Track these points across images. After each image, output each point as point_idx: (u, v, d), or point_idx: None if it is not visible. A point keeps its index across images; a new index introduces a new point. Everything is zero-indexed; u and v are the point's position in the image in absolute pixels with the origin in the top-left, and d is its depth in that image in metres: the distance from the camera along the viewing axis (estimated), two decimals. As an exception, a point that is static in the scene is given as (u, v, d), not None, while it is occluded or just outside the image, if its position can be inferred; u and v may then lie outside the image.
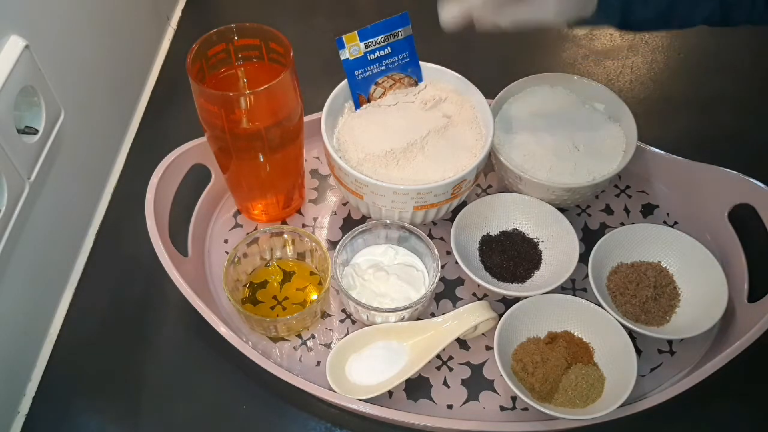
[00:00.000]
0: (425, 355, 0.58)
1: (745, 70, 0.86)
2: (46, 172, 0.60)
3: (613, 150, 0.67)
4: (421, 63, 0.66)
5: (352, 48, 0.62)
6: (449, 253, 0.65)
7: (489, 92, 0.67)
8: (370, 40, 0.63)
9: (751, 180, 0.64)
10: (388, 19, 0.63)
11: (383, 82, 0.66)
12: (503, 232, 0.67)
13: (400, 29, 0.63)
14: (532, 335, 0.60)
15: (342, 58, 0.63)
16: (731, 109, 0.82)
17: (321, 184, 0.73)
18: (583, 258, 0.63)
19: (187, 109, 0.60)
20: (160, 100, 0.82)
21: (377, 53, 0.63)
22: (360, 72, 0.64)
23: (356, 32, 0.62)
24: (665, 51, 0.88)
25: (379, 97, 0.66)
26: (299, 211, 0.71)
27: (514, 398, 0.59)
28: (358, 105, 0.66)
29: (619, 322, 0.58)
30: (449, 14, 0.54)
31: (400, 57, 0.65)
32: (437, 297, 0.65)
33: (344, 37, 0.62)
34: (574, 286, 0.66)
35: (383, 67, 0.65)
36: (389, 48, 0.64)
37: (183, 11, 0.92)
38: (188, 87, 0.57)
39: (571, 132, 0.67)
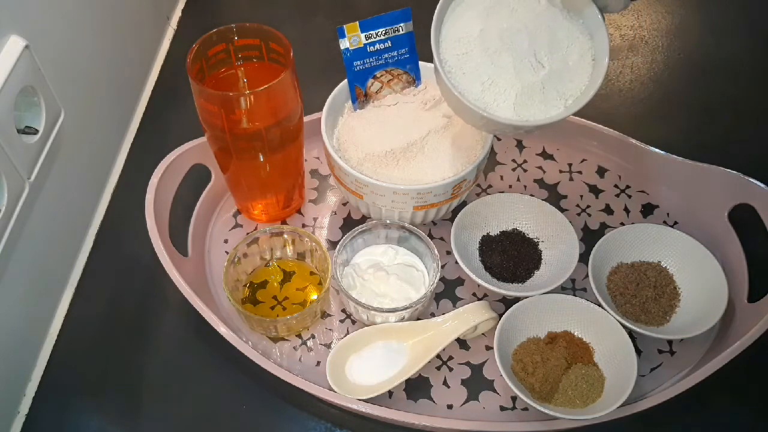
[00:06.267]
0: (425, 355, 0.58)
1: (745, 71, 0.86)
2: (46, 172, 0.60)
3: (581, 59, 0.54)
4: (421, 63, 0.66)
5: (353, 38, 0.62)
6: (449, 253, 0.65)
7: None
8: (371, 32, 0.63)
9: (751, 180, 0.64)
10: (390, 12, 0.63)
11: (381, 76, 0.65)
12: (503, 232, 0.67)
13: (401, 24, 0.63)
14: (532, 335, 0.60)
15: (342, 47, 0.63)
16: (731, 109, 0.82)
17: (321, 184, 0.73)
18: (583, 258, 0.63)
19: (187, 109, 0.60)
20: (160, 100, 0.82)
21: (377, 46, 0.63)
22: (359, 63, 0.64)
23: (357, 22, 0.62)
24: (665, 51, 0.88)
25: (377, 92, 0.66)
26: (299, 211, 0.71)
27: (514, 398, 0.59)
28: (354, 98, 0.65)
29: (619, 322, 0.58)
30: None
31: (399, 52, 0.65)
32: (437, 297, 0.65)
33: (345, 27, 0.62)
34: (574, 286, 0.66)
35: (382, 61, 0.64)
36: (389, 42, 0.64)
37: (183, 11, 0.92)
38: (188, 87, 0.57)
39: (531, 43, 0.53)
